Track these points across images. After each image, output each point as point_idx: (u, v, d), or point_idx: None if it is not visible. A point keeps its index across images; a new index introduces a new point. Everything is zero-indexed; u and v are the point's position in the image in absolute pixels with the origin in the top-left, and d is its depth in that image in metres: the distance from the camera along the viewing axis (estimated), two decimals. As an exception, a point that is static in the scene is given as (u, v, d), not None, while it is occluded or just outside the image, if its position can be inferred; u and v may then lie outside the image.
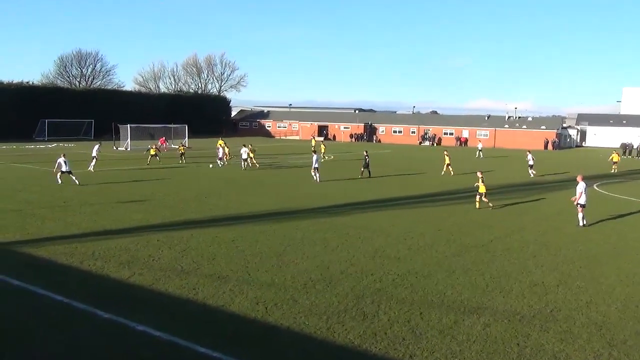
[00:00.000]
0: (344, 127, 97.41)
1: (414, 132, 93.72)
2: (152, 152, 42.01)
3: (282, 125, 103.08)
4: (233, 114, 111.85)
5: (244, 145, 39.79)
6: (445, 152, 40.63)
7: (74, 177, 28.58)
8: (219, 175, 35.13)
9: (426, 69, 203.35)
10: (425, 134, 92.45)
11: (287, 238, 17.15)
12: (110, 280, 12.70)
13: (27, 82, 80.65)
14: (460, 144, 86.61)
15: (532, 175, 38.22)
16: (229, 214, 21.19)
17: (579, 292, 12.53)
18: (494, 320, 10.65)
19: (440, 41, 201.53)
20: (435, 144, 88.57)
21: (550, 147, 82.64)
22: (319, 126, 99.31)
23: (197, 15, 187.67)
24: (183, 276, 13.00)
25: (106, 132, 67.68)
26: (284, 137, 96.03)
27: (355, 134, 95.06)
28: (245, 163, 38.48)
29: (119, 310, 10.64)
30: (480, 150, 59.40)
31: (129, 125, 58.28)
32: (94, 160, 35.34)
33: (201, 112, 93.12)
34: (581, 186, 20.14)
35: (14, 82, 77.33)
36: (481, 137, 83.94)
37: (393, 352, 9.20)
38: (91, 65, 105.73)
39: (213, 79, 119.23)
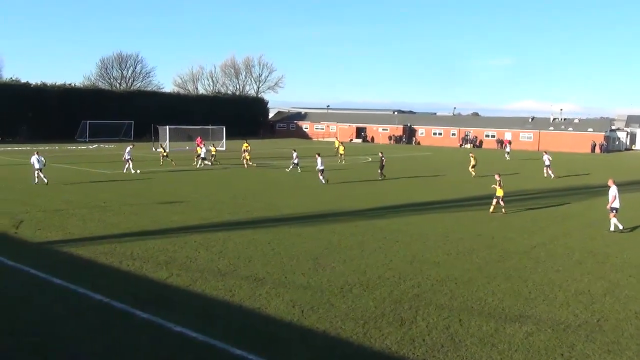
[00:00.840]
0: (383, 129, 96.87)
1: (454, 135, 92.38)
2: (162, 152, 41.90)
3: (319, 126, 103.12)
4: (270, 115, 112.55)
5: (294, 150, 40.01)
6: (470, 154, 41.11)
7: (42, 175, 28.90)
8: (255, 177, 35.33)
9: (467, 70, 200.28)
10: (466, 136, 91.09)
11: (324, 241, 17.04)
12: (148, 280, 12.83)
13: (70, 84, 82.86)
14: (502, 147, 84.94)
15: (545, 175, 38.83)
16: (265, 216, 21.21)
17: (628, 301, 12.03)
18: (537, 329, 10.31)
19: (481, 41, 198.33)
20: (475, 146, 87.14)
21: (597, 150, 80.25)
22: (357, 128, 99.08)
23: (235, 16, 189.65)
24: (220, 278, 13.03)
25: (145, 133, 68.96)
26: (321, 139, 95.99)
27: (394, 135, 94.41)
28: (294, 166, 38.56)
29: (157, 310, 10.72)
30: (508, 153, 58.87)
31: (167, 126, 59.14)
32: (128, 162, 35.74)
33: (239, 114, 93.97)
34: (613, 190, 19.47)
35: (57, 84, 79.51)
36: (525, 140, 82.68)
37: (431, 359, 8.99)
38: (131, 67, 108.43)
39: (251, 80, 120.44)
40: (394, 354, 9.17)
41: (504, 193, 23.05)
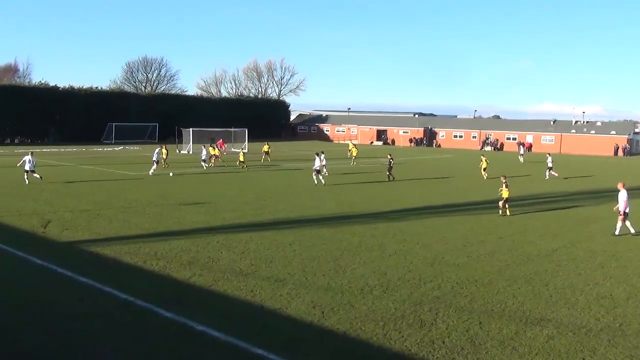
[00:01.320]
0: (403, 132, 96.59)
1: (475, 137, 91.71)
2: (164, 154, 41.42)
3: (340, 129, 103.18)
4: (292, 118, 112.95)
5: (322, 152, 39.93)
6: (482, 156, 41.18)
7: (36, 175, 29.65)
8: (277, 179, 35.55)
9: (489, 72, 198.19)
10: (487, 139, 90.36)
11: (344, 242, 17.13)
12: (172, 280, 13.05)
13: (97, 88, 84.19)
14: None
15: (547, 177, 39.03)
16: (287, 218, 21.37)
17: (651, 306, 11.91)
18: (558, 332, 10.26)
19: (503, 42, 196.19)
20: (496, 149, 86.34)
21: (620, 153, 78.90)
22: (377, 130, 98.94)
23: (257, 20, 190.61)
24: (241, 278, 13.20)
25: (170, 135, 69.83)
26: (342, 142, 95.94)
27: (415, 138, 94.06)
28: (324, 170, 38.59)
29: (180, 309, 10.90)
30: (521, 155, 58.89)
31: (191, 129, 59.80)
32: (155, 164, 36.33)
33: (261, 117, 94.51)
34: (623, 194, 19.23)
35: (84, 87, 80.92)
36: (546, 143, 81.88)
37: (451, 361, 9.02)
38: (156, 71, 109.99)
39: (273, 83, 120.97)
40: (413, 355, 9.22)
41: (509, 196, 23.09)
